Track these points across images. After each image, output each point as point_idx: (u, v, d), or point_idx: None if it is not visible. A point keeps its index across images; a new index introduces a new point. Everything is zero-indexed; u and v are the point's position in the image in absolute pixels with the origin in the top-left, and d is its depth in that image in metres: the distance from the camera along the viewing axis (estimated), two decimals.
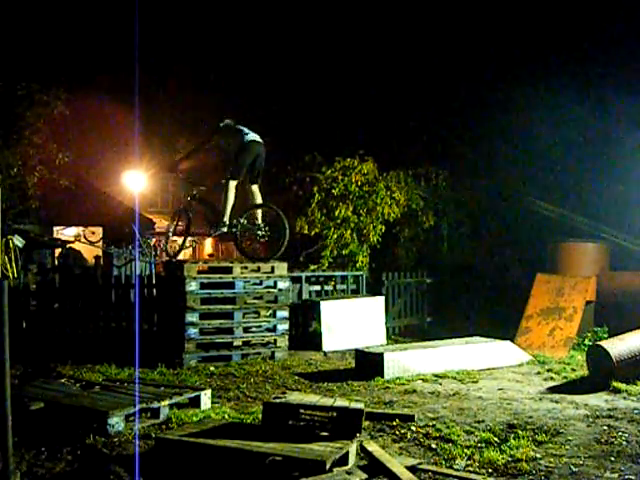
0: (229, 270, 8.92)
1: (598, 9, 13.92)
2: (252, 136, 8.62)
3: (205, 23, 23.46)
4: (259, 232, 8.97)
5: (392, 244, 13.44)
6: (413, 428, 5.54)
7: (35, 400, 5.87)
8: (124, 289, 10.22)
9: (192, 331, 8.48)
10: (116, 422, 5.26)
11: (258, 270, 9.12)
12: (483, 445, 5.07)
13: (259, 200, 8.65)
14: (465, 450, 4.92)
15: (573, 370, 8.09)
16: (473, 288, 12.71)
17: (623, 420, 5.81)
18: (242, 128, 8.81)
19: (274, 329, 9.10)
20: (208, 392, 6.27)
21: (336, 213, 12.06)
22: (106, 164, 24.69)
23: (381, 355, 7.72)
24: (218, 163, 8.85)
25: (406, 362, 7.79)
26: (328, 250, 12.01)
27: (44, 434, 5.21)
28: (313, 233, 12.18)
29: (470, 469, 4.59)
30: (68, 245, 18.37)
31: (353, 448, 4.63)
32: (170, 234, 8.53)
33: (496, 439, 5.20)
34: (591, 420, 5.82)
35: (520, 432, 5.36)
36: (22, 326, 9.52)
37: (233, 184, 8.33)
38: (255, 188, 8.80)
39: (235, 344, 8.86)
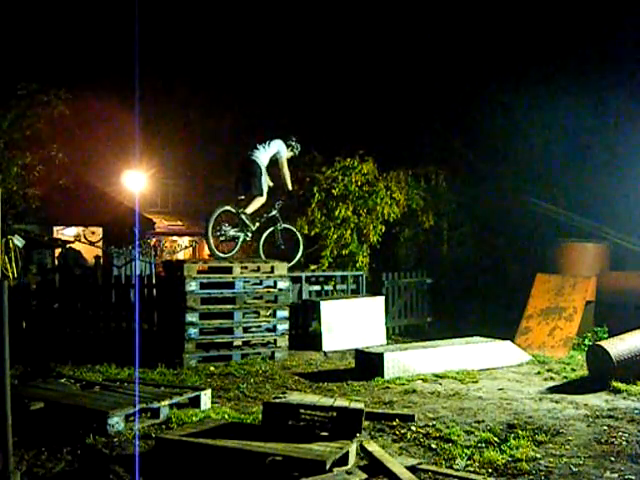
0: (229, 270, 8.92)
1: (598, 10, 13.92)
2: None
3: (204, 22, 23.47)
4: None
5: (392, 244, 13.44)
6: (413, 428, 5.53)
7: (35, 400, 5.87)
8: (124, 289, 10.23)
9: (192, 331, 8.48)
10: (116, 422, 5.26)
11: (258, 270, 9.13)
12: (483, 445, 5.06)
13: None
14: (465, 450, 4.92)
15: (573, 370, 8.09)
16: (473, 288, 12.71)
17: (623, 420, 5.80)
18: None
19: (274, 329, 9.10)
20: (208, 392, 6.27)
21: (336, 213, 12.06)
22: (106, 164, 24.71)
23: (381, 355, 7.71)
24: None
25: (406, 362, 7.79)
26: (328, 250, 12.00)
27: (44, 434, 5.20)
28: (313, 233, 12.18)
29: (470, 469, 4.59)
30: (68, 245, 18.38)
31: (353, 448, 4.63)
32: None
33: (496, 439, 5.20)
34: (591, 420, 5.82)
35: (520, 432, 5.36)
36: (22, 326, 9.53)
37: None
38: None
39: (235, 344, 8.86)
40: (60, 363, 8.22)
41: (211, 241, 8.99)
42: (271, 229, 9.92)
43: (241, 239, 9.50)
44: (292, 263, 9.90)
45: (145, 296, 9.92)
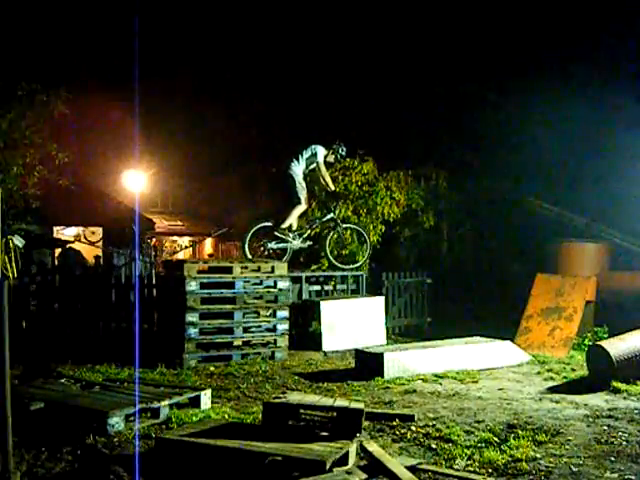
0: (229, 270, 8.92)
1: (598, 9, 13.92)
2: None
3: (203, 22, 23.47)
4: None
5: (392, 244, 13.44)
6: (413, 428, 5.53)
7: (35, 400, 5.87)
8: (124, 289, 10.22)
9: (192, 331, 8.48)
10: (116, 422, 5.26)
11: (258, 270, 9.13)
12: (483, 445, 5.06)
13: None
14: (465, 450, 4.92)
15: (573, 370, 8.09)
16: (473, 288, 12.71)
17: (623, 420, 5.80)
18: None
19: (274, 329, 9.10)
20: (208, 392, 6.27)
21: (336, 213, 12.05)
22: (106, 164, 24.70)
23: (381, 355, 7.71)
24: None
25: (406, 362, 7.79)
26: (328, 250, 11.99)
27: (44, 434, 5.20)
28: (313, 233, 12.18)
29: (470, 469, 4.58)
30: (68, 245, 18.38)
31: (353, 448, 4.63)
32: None
33: (496, 439, 5.20)
34: (591, 420, 5.82)
35: (520, 432, 5.35)
36: (22, 326, 9.52)
37: None
38: None
39: (235, 344, 8.86)
40: (60, 363, 8.21)
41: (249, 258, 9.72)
42: (332, 233, 10.42)
43: (289, 249, 10.20)
44: (360, 263, 10.43)
45: (145, 296, 9.91)
